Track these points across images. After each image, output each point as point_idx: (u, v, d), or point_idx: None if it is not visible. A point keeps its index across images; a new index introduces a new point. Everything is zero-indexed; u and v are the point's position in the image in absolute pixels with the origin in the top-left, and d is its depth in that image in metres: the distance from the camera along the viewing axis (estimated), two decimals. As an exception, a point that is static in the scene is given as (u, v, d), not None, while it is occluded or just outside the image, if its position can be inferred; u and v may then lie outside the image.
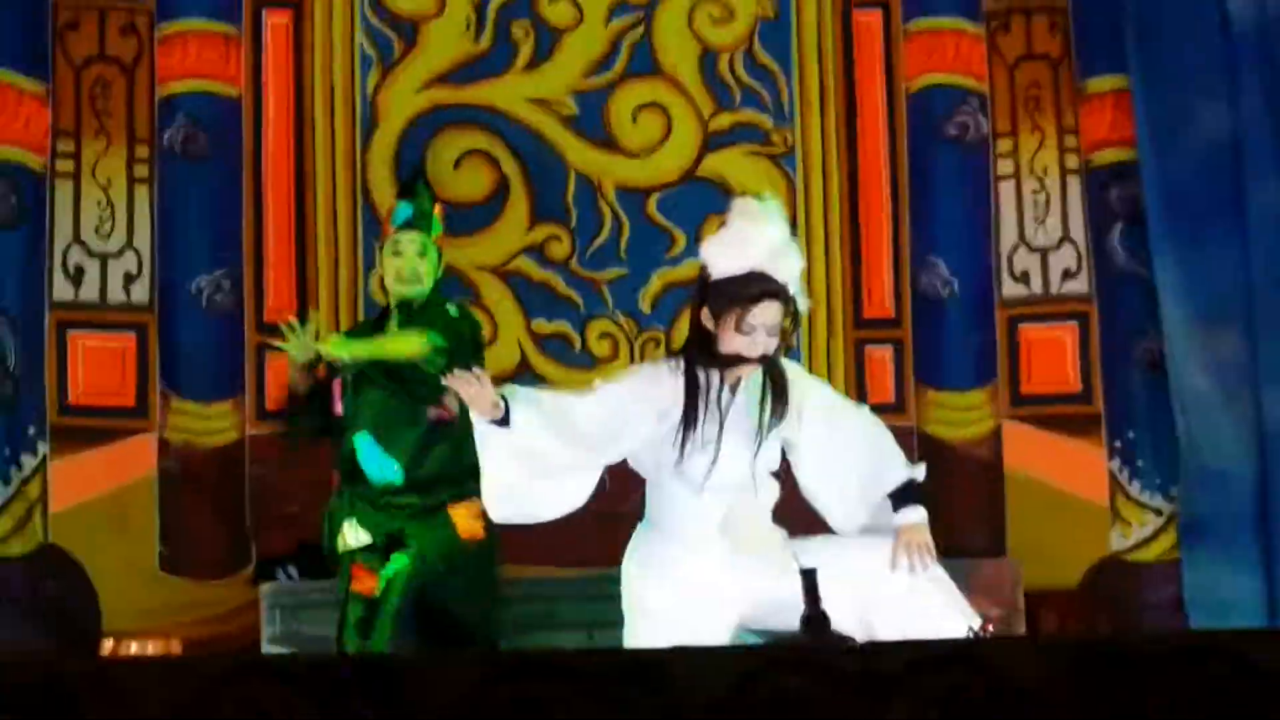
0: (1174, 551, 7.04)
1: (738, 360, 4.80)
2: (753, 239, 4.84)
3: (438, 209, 5.92)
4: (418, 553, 5.64)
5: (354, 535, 5.72)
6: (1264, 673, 2.91)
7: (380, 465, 5.71)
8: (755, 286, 4.79)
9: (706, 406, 4.82)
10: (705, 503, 4.81)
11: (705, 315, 4.84)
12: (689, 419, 4.81)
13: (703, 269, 4.92)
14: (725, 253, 4.84)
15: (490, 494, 4.87)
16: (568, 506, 4.91)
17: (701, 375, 4.83)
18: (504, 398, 4.72)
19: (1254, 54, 6.87)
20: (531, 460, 4.77)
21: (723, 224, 4.97)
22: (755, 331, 4.78)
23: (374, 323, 5.96)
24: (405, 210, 5.90)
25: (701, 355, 4.85)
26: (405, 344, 5.67)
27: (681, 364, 4.90)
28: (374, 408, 5.73)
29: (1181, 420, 6.97)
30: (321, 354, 5.70)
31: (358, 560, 5.70)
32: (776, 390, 4.85)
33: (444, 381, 4.87)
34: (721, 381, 4.85)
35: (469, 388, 4.71)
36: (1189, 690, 2.91)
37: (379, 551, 5.69)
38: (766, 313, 4.81)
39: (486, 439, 4.77)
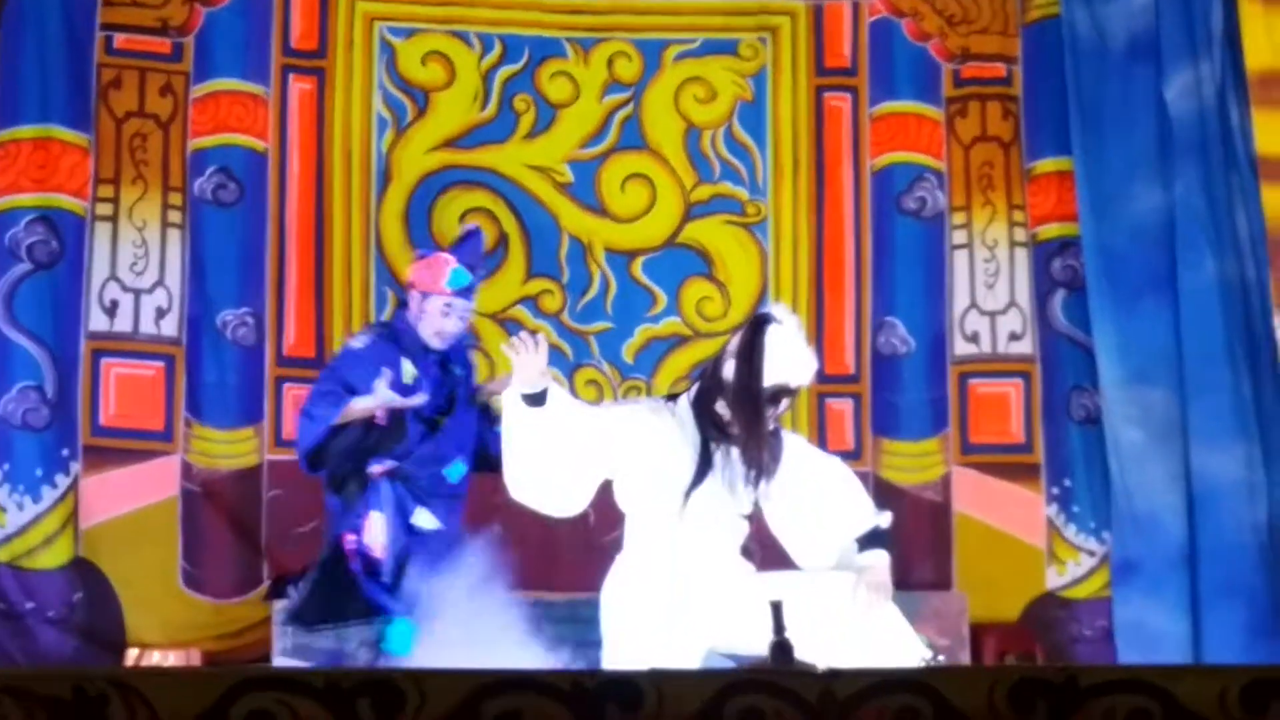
0: (1105, 590, 7.04)
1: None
2: (779, 362, 4.76)
3: None
4: None
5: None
6: (1186, 707, 2.90)
7: None
8: (774, 394, 4.76)
9: (714, 469, 4.79)
10: (682, 539, 4.79)
11: (721, 406, 4.78)
12: (699, 479, 4.76)
13: (719, 370, 4.81)
14: (751, 371, 4.73)
15: (513, 473, 4.75)
16: (574, 506, 4.83)
17: (714, 447, 4.79)
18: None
19: (1188, 140, 6.88)
20: (555, 447, 4.66)
21: (739, 332, 4.87)
22: None
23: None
24: (466, 278, 5.87)
25: (710, 427, 4.81)
26: None
27: (674, 406, 4.87)
28: None
29: (1116, 469, 6.97)
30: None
31: None
32: (771, 455, 4.82)
33: (502, 347, 4.73)
34: (728, 450, 4.82)
35: (525, 353, 4.59)
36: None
37: None
38: (779, 409, 4.80)
39: (518, 417, 4.64)
